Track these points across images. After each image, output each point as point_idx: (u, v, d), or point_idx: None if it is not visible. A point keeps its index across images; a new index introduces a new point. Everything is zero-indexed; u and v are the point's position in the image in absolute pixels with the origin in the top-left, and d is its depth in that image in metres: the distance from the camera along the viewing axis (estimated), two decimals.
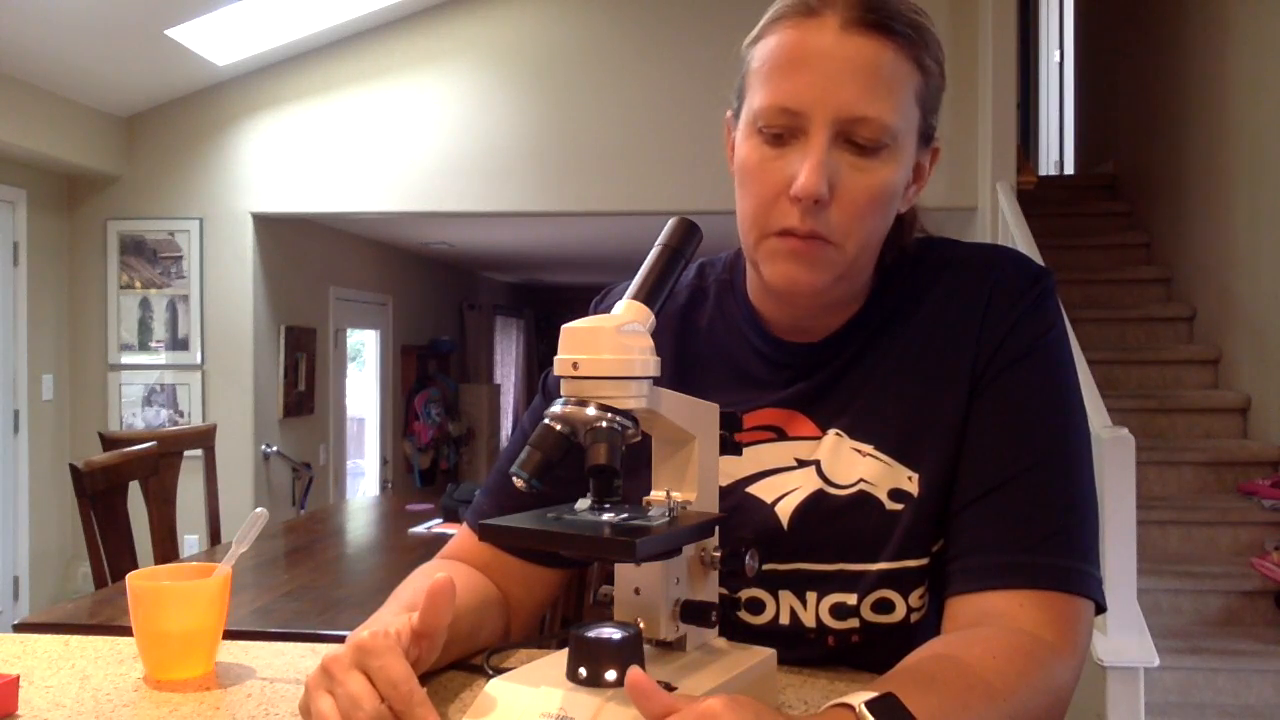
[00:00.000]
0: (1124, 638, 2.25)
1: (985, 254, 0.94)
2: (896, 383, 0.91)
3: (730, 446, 0.86)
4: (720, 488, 0.91)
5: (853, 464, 0.90)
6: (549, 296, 13.04)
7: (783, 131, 0.84)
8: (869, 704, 0.65)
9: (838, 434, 0.92)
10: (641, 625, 0.76)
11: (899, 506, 0.89)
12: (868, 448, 0.91)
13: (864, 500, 0.89)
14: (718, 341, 0.98)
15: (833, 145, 0.83)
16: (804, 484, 0.91)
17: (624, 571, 0.80)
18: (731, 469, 0.93)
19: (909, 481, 0.89)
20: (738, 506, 0.92)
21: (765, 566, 0.90)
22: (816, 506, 0.91)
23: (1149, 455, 4.03)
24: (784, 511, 0.91)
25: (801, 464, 0.92)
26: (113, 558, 2.45)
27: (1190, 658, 3.35)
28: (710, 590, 0.83)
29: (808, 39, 0.83)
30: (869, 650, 0.91)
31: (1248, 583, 3.63)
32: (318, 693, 0.73)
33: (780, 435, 0.93)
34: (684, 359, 0.98)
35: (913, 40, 0.84)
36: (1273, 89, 4.26)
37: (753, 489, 0.93)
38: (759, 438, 0.93)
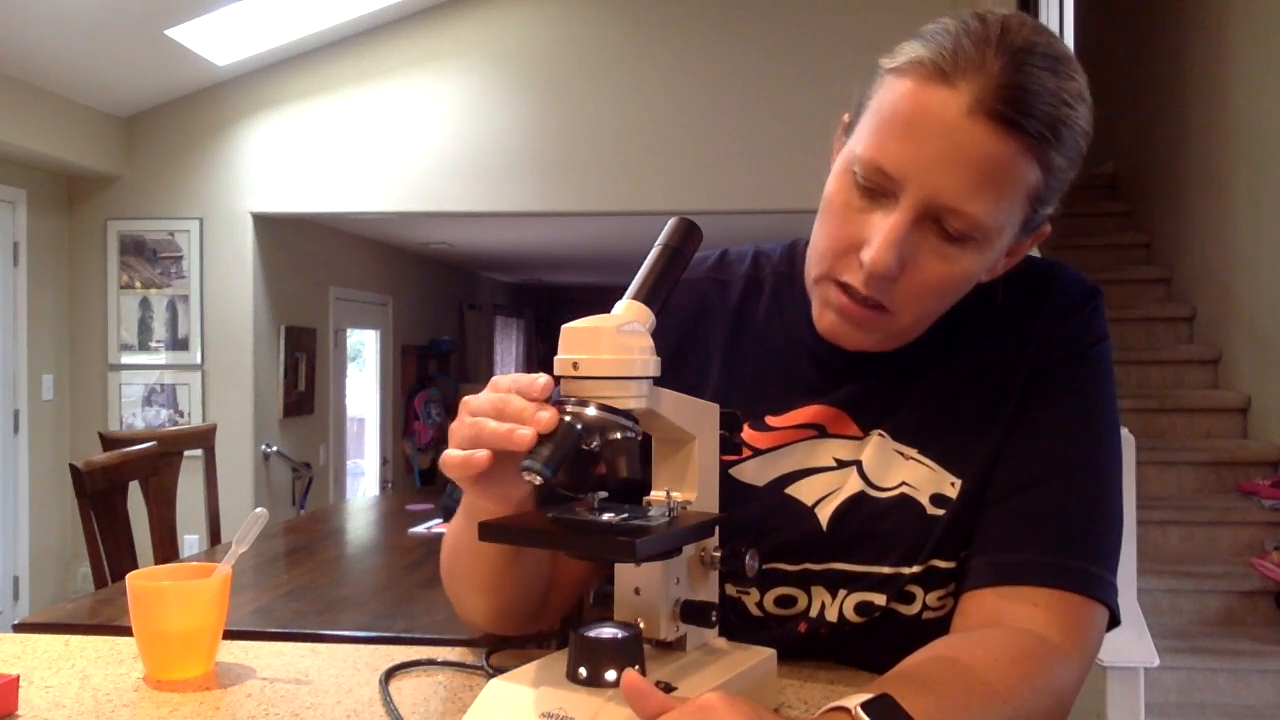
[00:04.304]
0: (1124, 638, 2.24)
1: (1042, 269, 0.94)
2: (946, 388, 0.91)
3: (730, 447, 0.86)
4: (758, 487, 0.92)
5: (896, 467, 0.90)
6: (549, 296, 13.04)
7: (874, 188, 0.80)
8: (865, 705, 0.64)
9: (880, 435, 0.91)
10: (641, 625, 0.76)
11: (940, 511, 0.88)
12: (912, 451, 0.90)
13: (905, 503, 0.89)
14: (772, 336, 0.97)
15: (919, 222, 0.79)
16: (845, 485, 0.91)
17: (624, 571, 0.80)
18: (770, 467, 0.92)
19: (951, 488, 0.89)
20: (778, 507, 0.91)
21: (801, 566, 0.91)
22: (857, 507, 0.90)
23: (1149, 455, 4.03)
24: (824, 513, 0.91)
25: (841, 464, 0.92)
26: (113, 558, 2.45)
27: (1190, 658, 3.35)
28: (710, 590, 0.83)
29: (931, 108, 0.76)
30: (864, 639, 0.91)
31: (1248, 583, 3.63)
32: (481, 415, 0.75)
33: (821, 433, 0.93)
34: (735, 350, 0.97)
35: (1044, 140, 0.76)
36: (1273, 89, 4.25)
37: (792, 490, 0.92)
38: (801, 436, 0.93)
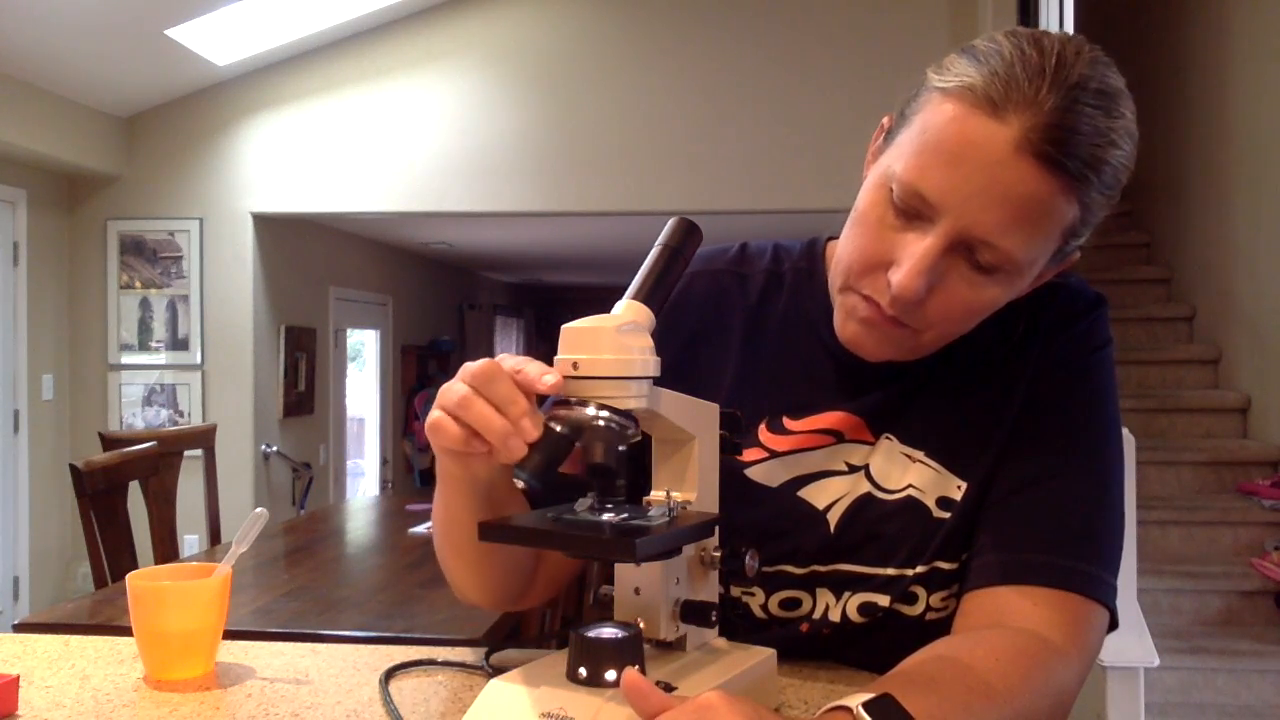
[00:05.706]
0: (1124, 638, 2.24)
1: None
2: (952, 392, 0.91)
3: (730, 447, 0.86)
4: (770, 488, 0.92)
5: (903, 469, 0.90)
6: (549, 296, 13.04)
7: (909, 209, 0.80)
8: (866, 705, 0.64)
9: (889, 438, 0.91)
10: (641, 625, 0.76)
11: (945, 514, 0.89)
12: (919, 454, 0.90)
13: (911, 506, 0.90)
14: (791, 334, 0.96)
15: (950, 250, 0.79)
16: (853, 489, 0.91)
17: (624, 571, 0.80)
18: (785, 470, 0.92)
19: (957, 490, 0.89)
20: (789, 510, 0.91)
21: (808, 569, 0.91)
22: (864, 510, 0.91)
23: (1149, 455, 4.03)
24: (833, 516, 0.91)
25: (852, 469, 0.92)
26: (113, 558, 2.45)
27: (1190, 658, 3.35)
28: (710, 590, 0.83)
29: (977, 139, 0.75)
30: (866, 639, 0.91)
31: (1248, 583, 3.63)
32: (469, 401, 0.72)
33: (839, 439, 0.93)
34: (752, 344, 0.97)
35: (1086, 180, 0.76)
36: (1273, 89, 4.25)
37: (804, 493, 0.92)
38: (820, 442, 0.92)
